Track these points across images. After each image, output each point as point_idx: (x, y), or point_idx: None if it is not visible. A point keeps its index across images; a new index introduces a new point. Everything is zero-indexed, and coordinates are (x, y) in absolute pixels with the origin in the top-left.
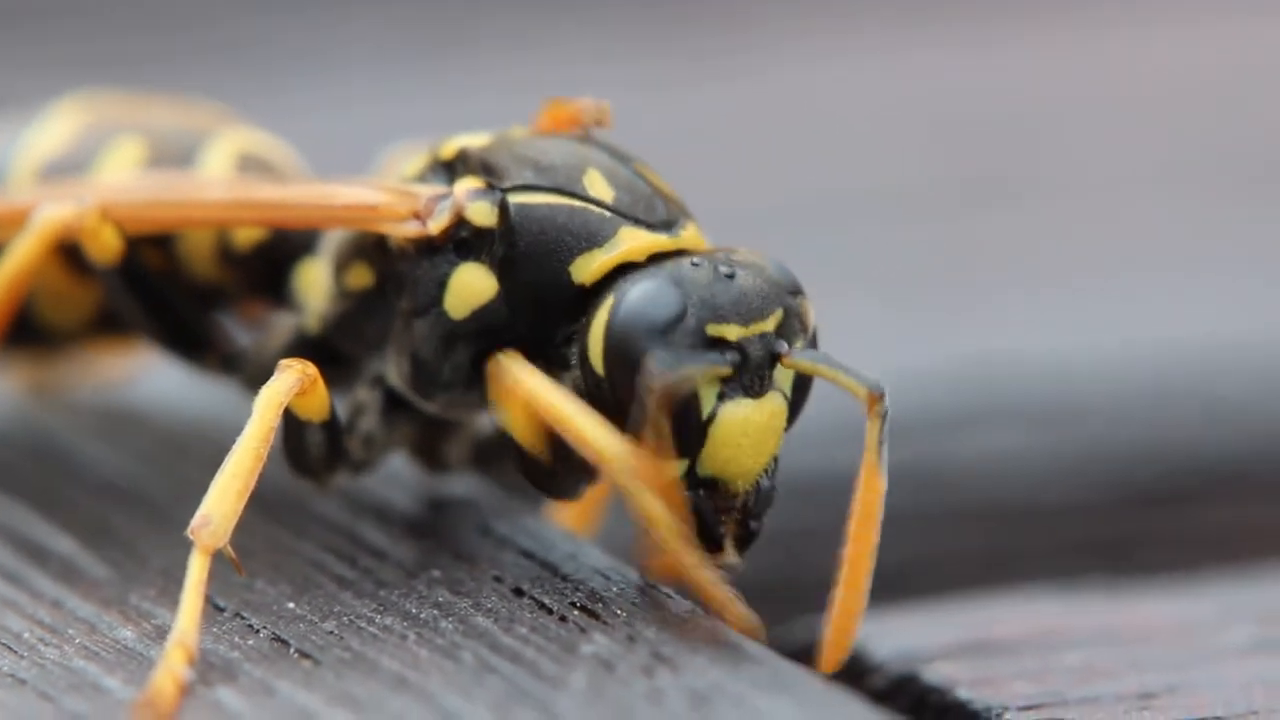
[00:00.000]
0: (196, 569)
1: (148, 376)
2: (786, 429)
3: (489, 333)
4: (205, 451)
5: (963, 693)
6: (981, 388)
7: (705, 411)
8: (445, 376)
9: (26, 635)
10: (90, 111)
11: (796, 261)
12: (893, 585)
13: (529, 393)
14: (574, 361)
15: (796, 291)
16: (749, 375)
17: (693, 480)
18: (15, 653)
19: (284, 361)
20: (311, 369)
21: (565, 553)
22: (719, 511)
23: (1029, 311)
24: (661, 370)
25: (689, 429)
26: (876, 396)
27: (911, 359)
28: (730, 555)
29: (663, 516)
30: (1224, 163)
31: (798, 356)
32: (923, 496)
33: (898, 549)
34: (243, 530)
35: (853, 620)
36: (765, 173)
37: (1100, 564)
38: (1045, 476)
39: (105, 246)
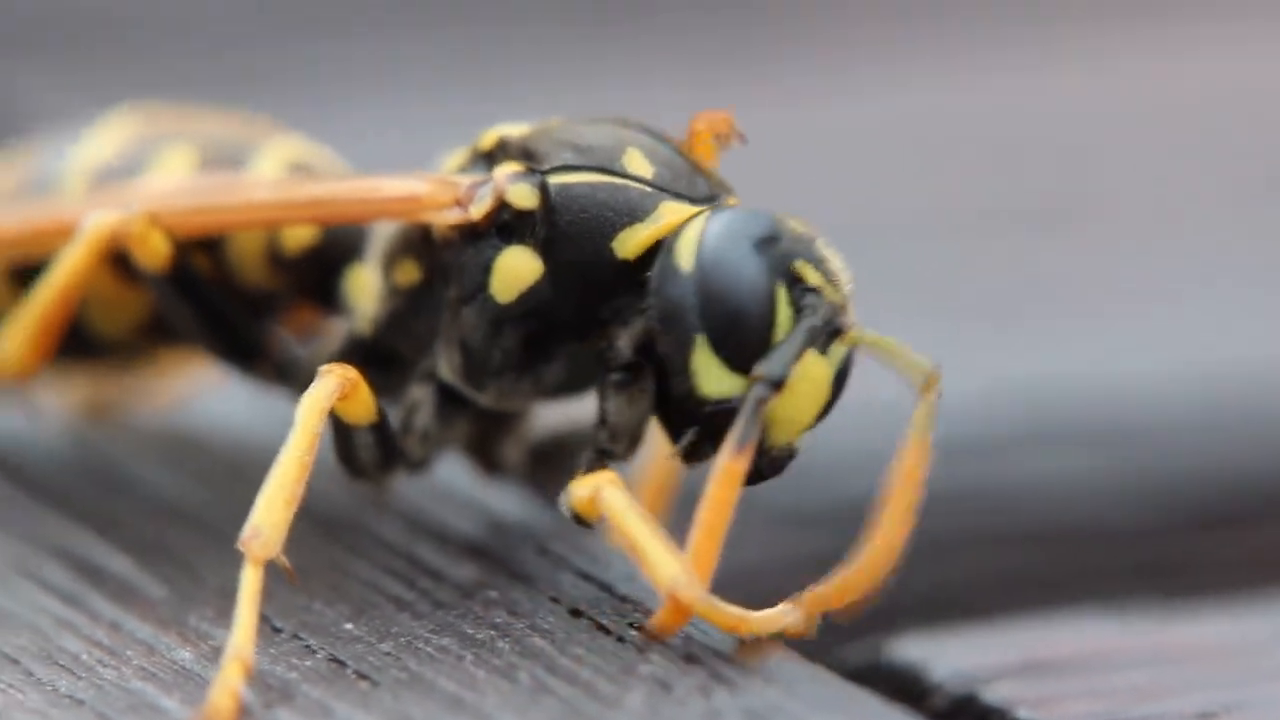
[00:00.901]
0: (250, 582)
1: (206, 400)
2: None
3: (536, 315)
4: (264, 473)
5: (1022, 712)
6: (1035, 410)
7: (779, 335)
8: (495, 363)
9: (85, 657)
10: (141, 121)
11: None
12: (950, 606)
13: (616, 516)
14: (631, 317)
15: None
16: (821, 329)
17: (735, 405)
18: (73, 674)
19: (323, 367)
20: (352, 372)
21: (623, 573)
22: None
23: (1082, 333)
24: (772, 370)
25: (759, 344)
26: (935, 378)
27: (965, 381)
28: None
29: (721, 620)
30: (1275, 184)
31: (863, 332)
32: (977, 519)
33: (953, 570)
34: (301, 550)
35: (873, 582)
36: (825, 192)
37: (1155, 585)
38: (1099, 498)
39: (154, 253)
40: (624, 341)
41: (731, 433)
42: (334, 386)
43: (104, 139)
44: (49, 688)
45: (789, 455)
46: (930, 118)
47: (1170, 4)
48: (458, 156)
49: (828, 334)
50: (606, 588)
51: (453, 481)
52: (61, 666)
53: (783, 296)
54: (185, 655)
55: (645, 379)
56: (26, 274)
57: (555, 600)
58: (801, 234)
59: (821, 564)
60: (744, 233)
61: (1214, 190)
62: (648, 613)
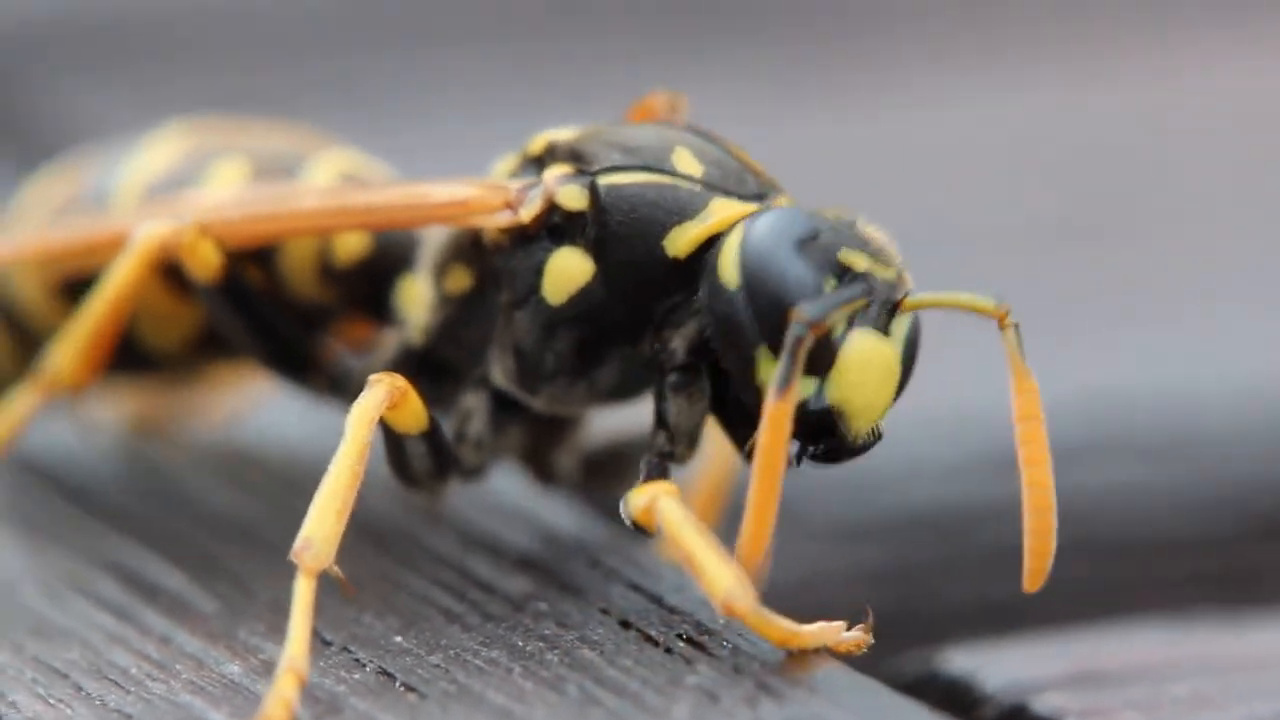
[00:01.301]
0: (302, 593)
1: (259, 415)
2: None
3: (588, 316)
4: (316, 487)
5: None
6: (1095, 420)
7: (837, 330)
8: (549, 366)
9: (134, 671)
10: (193, 136)
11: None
12: (1005, 617)
13: (672, 527)
14: (686, 318)
15: (902, 264)
16: (876, 308)
17: (813, 409)
18: (122, 688)
19: (372, 376)
20: (401, 381)
21: (673, 584)
22: (828, 450)
23: (1142, 344)
24: (810, 312)
25: (819, 344)
26: (1005, 310)
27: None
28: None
29: (772, 633)
30: None
31: (919, 295)
32: None
33: (1011, 581)
34: (353, 563)
35: (1049, 534)
36: (881, 205)
37: (1216, 596)
38: (1159, 509)
39: (205, 263)
40: (678, 343)
41: (775, 374)
42: (383, 395)
43: (156, 153)
44: (98, 702)
45: (875, 438)
46: (981, 131)
47: (1222, 16)
48: (507, 162)
49: (886, 310)
50: (656, 599)
51: (505, 494)
52: (111, 681)
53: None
54: (234, 669)
55: (702, 379)
56: (78, 288)
57: (605, 612)
58: (839, 222)
59: (871, 577)
60: (784, 236)
61: (1270, 199)
62: (696, 624)
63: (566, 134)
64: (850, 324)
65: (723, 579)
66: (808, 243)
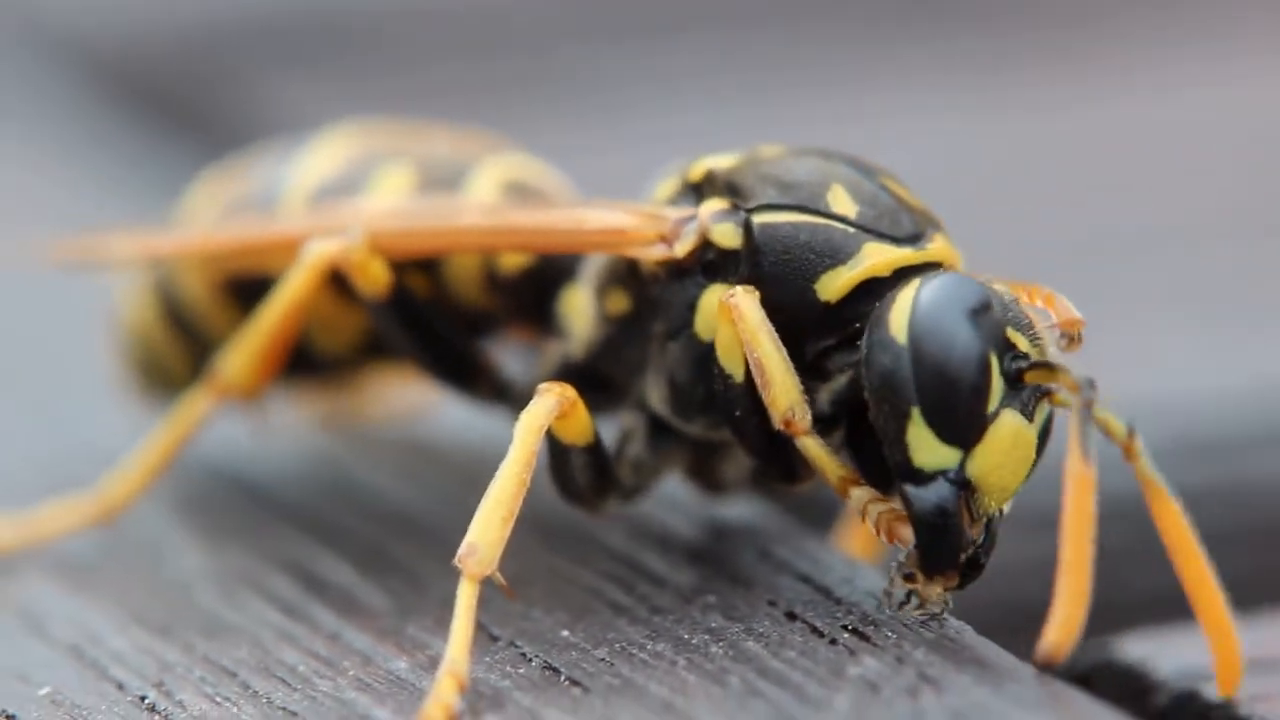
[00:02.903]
0: (465, 597)
1: (446, 411)
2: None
3: (741, 354)
4: None
5: (1245, 709)
6: (1266, 409)
7: (992, 405)
8: (702, 399)
9: (301, 668)
10: (361, 138)
11: (1107, 282)
12: (1180, 604)
13: (747, 326)
14: (834, 369)
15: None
16: (1028, 394)
17: (951, 479)
18: (289, 685)
19: (542, 385)
20: (570, 391)
21: (841, 576)
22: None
23: None
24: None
25: (974, 416)
26: (1133, 433)
27: (1214, 379)
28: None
29: (827, 460)
30: None
31: (1066, 395)
32: (1222, 516)
33: None
34: (523, 559)
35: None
36: (1082, 198)
37: None
38: None
39: (374, 279)
40: (823, 396)
41: (1076, 441)
42: (553, 404)
43: (323, 155)
44: (264, 699)
45: (999, 521)
46: (1184, 123)
47: None
48: (668, 185)
49: (1035, 397)
50: (824, 591)
51: (677, 487)
52: (278, 679)
53: (996, 366)
54: (401, 665)
55: (837, 434)
56: (242, 287)
57: (772, 604)
58: (1008, 299)
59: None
60: (957, 303)
61: None
62: (862, 615)
63: (725, 162)
64: (1003, 403)
65: (788, 393)
66: (979, 313)
